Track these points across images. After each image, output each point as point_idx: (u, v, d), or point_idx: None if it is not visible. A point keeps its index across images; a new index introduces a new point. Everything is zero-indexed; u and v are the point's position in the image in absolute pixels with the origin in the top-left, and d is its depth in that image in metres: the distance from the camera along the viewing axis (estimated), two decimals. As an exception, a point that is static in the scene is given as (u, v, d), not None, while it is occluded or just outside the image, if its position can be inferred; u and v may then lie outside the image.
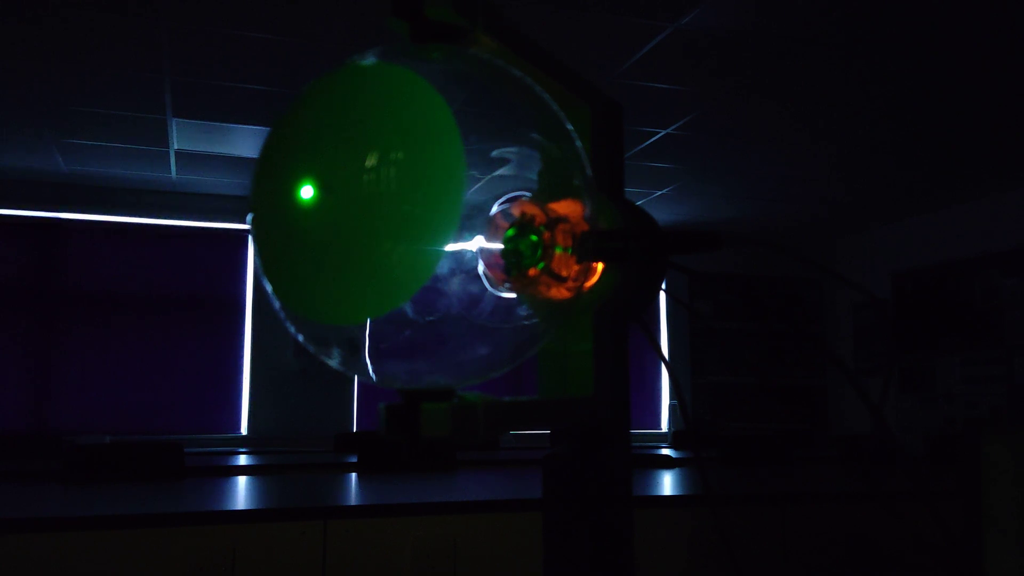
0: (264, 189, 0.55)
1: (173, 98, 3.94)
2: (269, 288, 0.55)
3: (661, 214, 6.11)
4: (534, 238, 0.58)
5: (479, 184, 0.59)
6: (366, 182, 0.50)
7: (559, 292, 0.59)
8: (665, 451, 5.03)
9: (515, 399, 0.57)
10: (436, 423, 0.50)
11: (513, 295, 0.61)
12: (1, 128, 4.37)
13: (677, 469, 3.25)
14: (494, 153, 0.59)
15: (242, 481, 2.72)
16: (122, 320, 5.50)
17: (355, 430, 5.73)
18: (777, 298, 7.07)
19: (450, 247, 0.55)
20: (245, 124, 4.31)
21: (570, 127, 0.58)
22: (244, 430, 5.60)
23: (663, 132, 4.38)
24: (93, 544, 1.76)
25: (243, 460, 4.06)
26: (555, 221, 0.59)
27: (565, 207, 0.59)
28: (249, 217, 0.56)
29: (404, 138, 0.52)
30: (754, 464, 3.63)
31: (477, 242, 0.59)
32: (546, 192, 0.60)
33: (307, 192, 0.51)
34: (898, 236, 6.46)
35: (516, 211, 0.60)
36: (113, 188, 5.49)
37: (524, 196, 0.60)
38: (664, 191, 5.54)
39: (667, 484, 2.59)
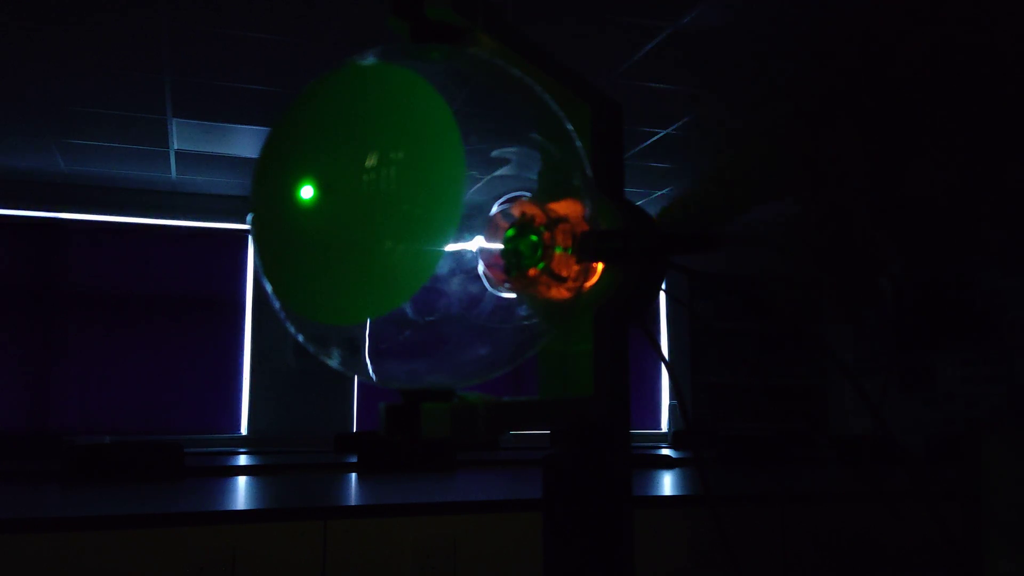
0: (264, 189, 0.55)
1: (173, 98, 3.94)
2: (269, 288, 0.55)
3: (661, 214, 6.10)
4: (534, 238, 0.58)
5: (479, 184, 0.59)
6: (366, 182, 0.50)
7: (559, 292, 0.59)
8: (665, 451, 5.03)
9: (515, 399, 0.57)
10: (436, 423, 0.50)
11: (513, 295, 0.60)
12: (1, 128, 4.37)
13: (677, 469, 3.25)
14: (494, 153, 0.59)
15: (242, 481, 2.72)
16: (122, 320, 5.50)
17: (355, 430, 5.73)
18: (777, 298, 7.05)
19: (450, 247, 0.55)
20: (245, 124, 4.31)
21: (570, 127, 0.58)
22: (244, 430, 5.60)
23: (663, 132, 4.38)
24: (93, 544, 1.76)
25: (243, 460, 4.06)
26: (555, 221, 0.59)
27: (565, 207, 0.59)
28: (249, 217, 0.56)
29: (404, 138, 0.52)
30: (754, 464, 3.63)
31: (477, 242, 0.59)
32: (546, 192, 0.60)
33: (307, 192, 0.51)
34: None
35: (516, 211, 0.60)
36: (113, 188, 5.49)
37: (524, 196, 0.60)
38: (664, 191, 5.54)
39: (667, 484, 2.59)
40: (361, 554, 1.94)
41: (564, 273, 0.59)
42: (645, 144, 4.56)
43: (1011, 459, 1.02)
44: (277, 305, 0.56)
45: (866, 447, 4.31)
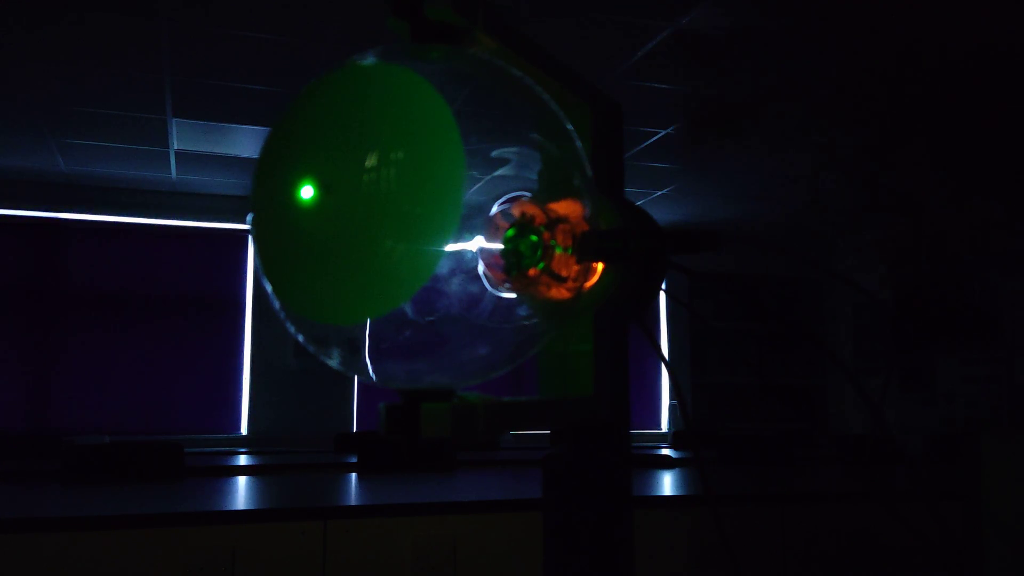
0: (264, 189, 0.55)
1: (173, 98, 3.94)
2: (269, 288, 0.55)
3: (661, 214, 6.11)
4: (534, 238, 0.58)
5: (479, 184, 0.59)
6: (366, 182, 0.50)
7: (559, 292, 0.59)
8: (665, 451, 5.03)
9: (515, 399, 0.57)
10: (436, 423, 0.50)
11: (513, 295, 0.61)
12: (1, 128, 4.37)
13: (677, 469, 3.25)
14: (494, 153, 0.59)
15: (242, 481, 2.72)
16: (122, 320, 5.50)
17: (355, 430, 5.73)
18: (777, 298, 7.07)
19: (450, 247, 0.55)
20: (245, 124, 4.31)
21: (570, 127, 0.58)
22: (244, 430, 5.60)
23: (663, 132, 4.38)
24: (93, 544, 1.76)
25: (243, 460, 4.06)
26: (555, 221, 0.59)
27: (565, 207, 0.59)
28: (249, 217, 0.56)
29: (404, 138, 0.52)
30: (754, 464, 3.63)
31: (477, 242, 0.59)
32: (546, 192, 0.60)
33: (307, 192, 0.51)
34: (897, 236, 6.45)
35: (516, 211, 0.60)
36: (113, 188, 5.49)
37: (524, 196, 0.60)
38: (664, 191, 5.54)
39: (667, 484, 2.59)
40: (361, 554, 1.94)
41: (564, 273, 0.59)
42: (645, 144, 4.56)
43: (1011, 459, 1.02)
44: (277, 305, 0.56)
45: (866, 447, 4.31)
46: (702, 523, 2.18)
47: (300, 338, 0.56)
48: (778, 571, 2.22)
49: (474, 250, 0.59)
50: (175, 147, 4.68)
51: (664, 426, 6.63)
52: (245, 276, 5.79)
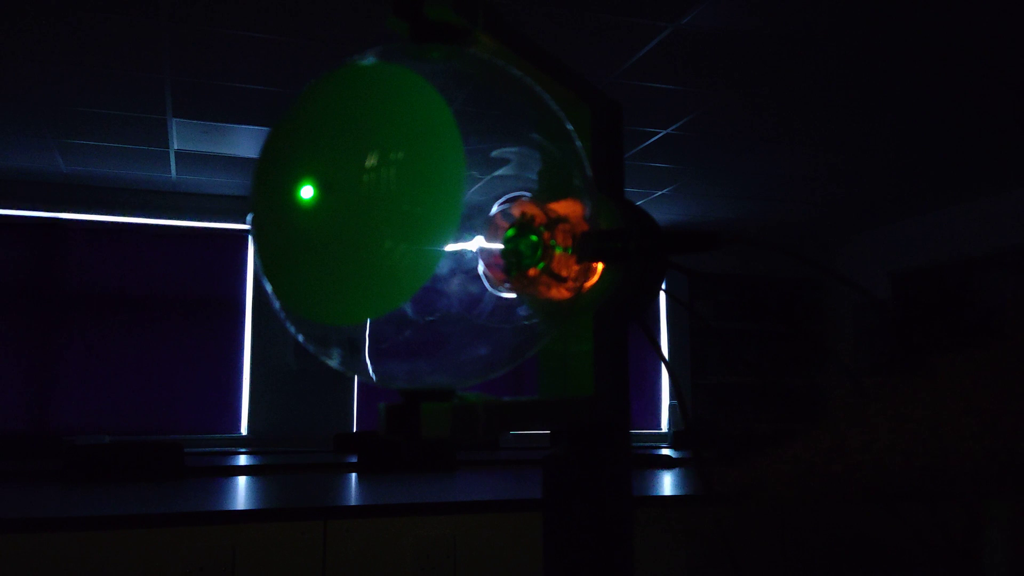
0: (264, 189, 0.55)
1: (173, 98, 3.94)
2: (269, 288, 0.55)
3: (661, 214, 6.11)
4: (534, 238, 0.58)
5: (479, 184, 0.59)
6: (366, 182, 0.50)
7: (559, 292, 0.59)
8: (665, 451, 5.03)
9: (515, 399, 0.57)
10: (436, 423, 0.50)
11: (513, 295, 0.61)
12: (1, 128, 4.36)
13: (677, 469, 3.25)
14: (494, 153, 0.59)
15: (242, 481, 2.72)
16: (122, 320, 5.50)
17: (355, 430, 5.73)
18: (777, 298, 7.07)
19: (450, 247, 0.55)
20: (245, 124, 4.31)
21: (570, 127, 0.58)
22: (244, 430, 5.60)
23: (663, 132, 4.38)
24: (93, 544, 1.76)
25: (243, 460, 4.06)
26: (555, 221, 0.59)
27: (565, 207, 0.59)
28: (249, 217, 0.56)
29: (404, 138, 0.52)
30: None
31: (477, 242, 0.59)
32: (546, 192, 0.60)
33: (307, 192, 0.51)
34: (897, 236, 6.45)
35: (516, 211, 0.60)
36: (113, 188, 5.49)
37: (524, 196, 0.60)
38: (664, 191, 5.54)
39: (667, 484, 2.59)
40: (361, 554, 1.94)
41: (564, 273, 0.59)
42: (645, 144, 4.56)
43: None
44: (277, 305, 0.56)
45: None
46: (702, 523, 2.18)
47: (300, 338, 0.56)
48: (778, 571, 2.22)
49: (474, 250, 0.59)
50: (175, 147, 4.68)
51: (664, 426, 6.63)
52: (245, 276, 5.79)
